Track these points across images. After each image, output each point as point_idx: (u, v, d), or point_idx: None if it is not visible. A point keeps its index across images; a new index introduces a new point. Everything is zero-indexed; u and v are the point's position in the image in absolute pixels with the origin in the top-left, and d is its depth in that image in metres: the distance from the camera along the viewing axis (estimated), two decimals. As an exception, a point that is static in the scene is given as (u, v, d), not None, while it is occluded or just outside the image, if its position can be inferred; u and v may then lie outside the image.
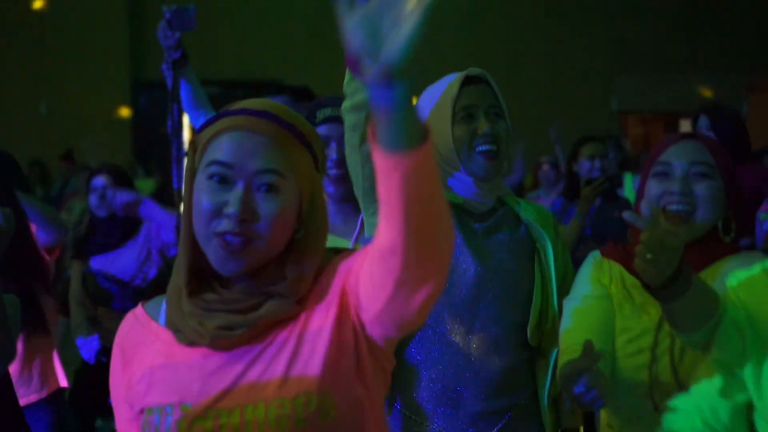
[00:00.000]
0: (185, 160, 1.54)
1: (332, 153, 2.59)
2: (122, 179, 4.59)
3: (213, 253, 1.47)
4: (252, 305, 1.48)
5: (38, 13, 12.97)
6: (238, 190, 1.46)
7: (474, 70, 2.30)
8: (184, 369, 1.49)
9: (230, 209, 1.45)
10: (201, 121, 3.70)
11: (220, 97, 3.89)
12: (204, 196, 1.47)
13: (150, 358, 1.53)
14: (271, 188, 1.47)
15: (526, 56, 12.79)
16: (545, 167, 7.45)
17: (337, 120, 2.52)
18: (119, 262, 4.41)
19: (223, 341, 1.47)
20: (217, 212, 1.46)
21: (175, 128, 3.59)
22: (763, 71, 12.81)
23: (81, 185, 7.88)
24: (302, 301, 1.49)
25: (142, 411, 1.50)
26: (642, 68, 12.82)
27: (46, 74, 13.05)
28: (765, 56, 12.49)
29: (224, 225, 1.45)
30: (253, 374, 1.46)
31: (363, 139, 2.12)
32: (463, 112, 2.25)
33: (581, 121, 11.29)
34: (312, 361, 1.44)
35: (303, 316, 1.48)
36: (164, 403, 1.47)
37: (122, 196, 4.34)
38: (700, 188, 1.99)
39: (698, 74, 12.35)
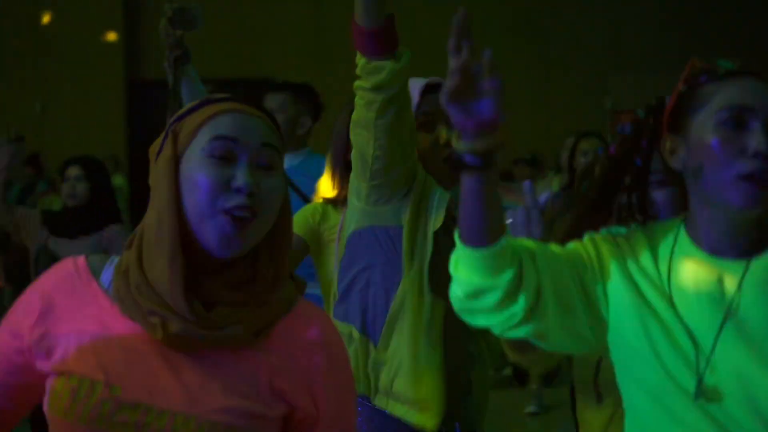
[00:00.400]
0: (161, 152, 1.49)
1: None
2: (96, 171, 4.55)
3: (216, 231, 1.42)
4: (215, 323, 1.43)
5: (34, 12, 12.97)
6: (244, 163, 1.45)
7: (435, 79, 2.35)
8: (119, 347, 1.43)
9: (240, 183, 1.42)
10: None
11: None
12: (204, 173, 1.43)
13: (81, 319, 1.46)
14: (270, 165, 1.47)
15: (520, 54, 12.82)
16: (520, 164, 7.53)
17: None
18: (71, 252, 4.33)
19: (173, 342, 1.42)
20: (223, 188, 1.43)
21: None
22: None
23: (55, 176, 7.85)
24: (260, 333, 1.46)
25: (60, 373, 1.42)
26: (636, 67, 12.86)
27: (42, 72, 13.05)
28: (757, 55, 12.55)
29: (234, 200, 1.42)
30: (192, 382, 1.42)
31: (378, 114, 2.16)
32: (424, 118, 2.32)
33: (575, 120, 11.34)
34: (255, 401, 1.44)
35: (255, 352, 1.46)
36: (90, 377, 1.40)
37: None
38: (659, 195, 2.01)
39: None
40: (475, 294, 1.51)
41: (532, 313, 1.53)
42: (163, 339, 1.40)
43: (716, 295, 1.55)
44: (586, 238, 1.66)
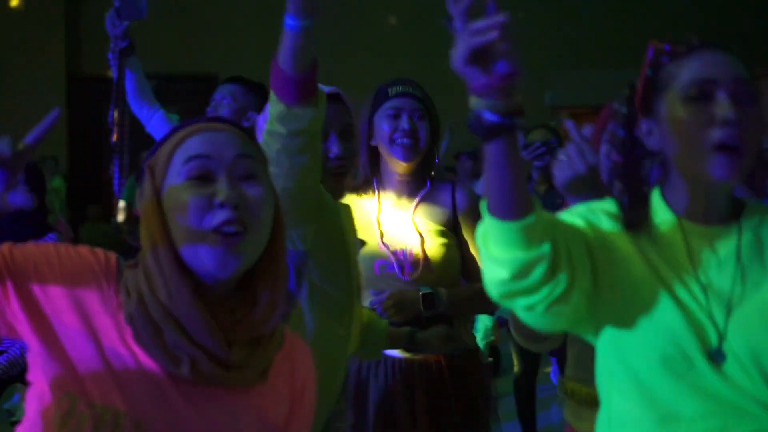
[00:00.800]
0: (142, 186, 1.47)
1: (403, 123, 2.81)
2: (35, 177, 4.37)
3: (209, 253, 1.39)
4: (229, 353, 1.39)
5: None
6: (223, 178, 1.42)
7: (332, 90, 2.34)
8: (138, 376, 1.38)
9: (221, 198, 1.39)
10: (144, 112, 3.68)
11: (159, 90, 3.90)
12: (186, 196, 1.40)
13: (100, 327, 1.39)
14: (251, 175, 1.44)
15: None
16: (463, 158, 7.56)
17: (409, 95, 2.84)
18: None
19: (195, 380, 1.39)
20: (207, 207, 1.39)
21: (120, 118, 3.57)
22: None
23: None
24: (266, 370, 1.46)
25: (78, 393, 1.35)
26: (578, 63, 12.99)
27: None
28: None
29: (219, 216, 1.39)
30: (217, 427, 1.40)
31: (296, 155, 2.04)
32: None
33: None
34: None
35: (263, 389, 1.47)
36: (113, 407, 1.34)
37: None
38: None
39: (632, 70, 12.55)
40: (523, 271, 1.44)
41: (572, 285, 1.49)
42: (187, 377, 1.37)
43: (713, 260, 1.60)
44: (571, 212, 1.65)
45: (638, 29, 12.73)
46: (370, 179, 2.91)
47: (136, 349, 1.38)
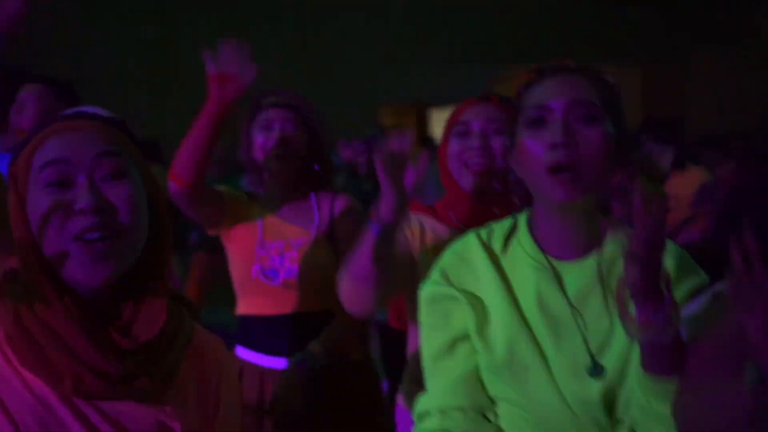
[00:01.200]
0: (7, 198, 1.38)
1: (274, 134, 2.84)
2: None
3: (75, 262, 1.31)
4: (116, 365, 1.31)
5: None
6: (82, 181, 1.33)
7: None
8: (27, 395, 1.30)
9: (81, 203, 1.31)
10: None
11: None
12: (45, 204, 1.32)
13: None
14: (116, 173, 1.35)
15: (288, 45, 12.81)
16: None
17: (281, 106, 2.86)
18: None
19: (81, 395, 1.31)
20: (67, 214, 1.31)
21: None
22: (511, 62, 13.42)
23: None
24: (166, 379, 1.37)
25: None
26: (401, 60, 13.12)
27: None
28: (512, 48, 13.08)
29: (80, 223, 1.30)
30: None
31: None
32: None
33: (339, 112, 11.39)
34: None
35: (164, 401, 1.38)
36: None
37: None
38: (497, 143, 2.24)
39: (452, 67, 12.77)
40: None
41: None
42: (71, 393, 1.30)
43: (556, 300, 1.66)
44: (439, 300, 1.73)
45: (464, 24, 13.02)
46: (257, 191, 2.94)
47: (22, 370, 1.31)
